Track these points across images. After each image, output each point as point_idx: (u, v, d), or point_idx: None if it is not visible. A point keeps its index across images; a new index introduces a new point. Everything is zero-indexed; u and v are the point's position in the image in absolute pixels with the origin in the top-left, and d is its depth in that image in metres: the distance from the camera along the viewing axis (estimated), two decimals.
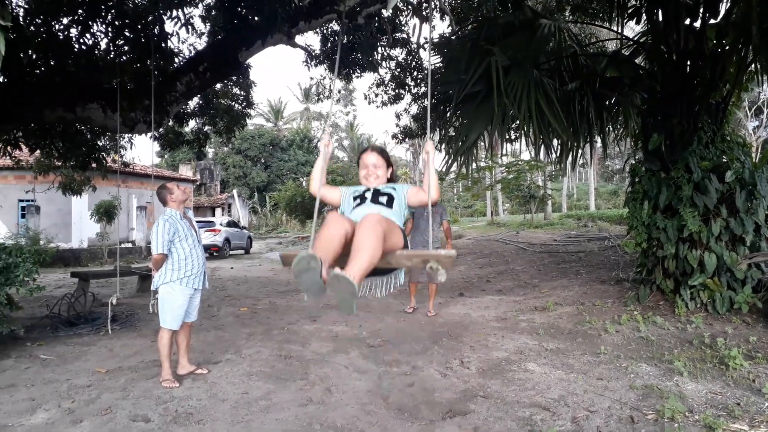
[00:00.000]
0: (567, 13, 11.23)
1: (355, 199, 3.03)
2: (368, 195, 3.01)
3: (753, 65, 7.05)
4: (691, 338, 5.28)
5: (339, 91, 16.18)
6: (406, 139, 17.10)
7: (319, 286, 2.32)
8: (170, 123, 11.30)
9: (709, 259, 6.00)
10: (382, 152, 3.17)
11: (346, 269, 2.32)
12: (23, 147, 9.39)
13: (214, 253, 19.73)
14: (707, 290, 6.02)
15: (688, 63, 6.87)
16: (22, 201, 19.61)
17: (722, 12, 6.87)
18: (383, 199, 2.97)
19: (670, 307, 6.25)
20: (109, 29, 8.15)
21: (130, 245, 20.48)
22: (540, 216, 25.83)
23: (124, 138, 11.83)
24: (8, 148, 8.85)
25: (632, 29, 8.73)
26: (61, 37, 7.89)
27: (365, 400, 4.04)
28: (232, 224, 22.91)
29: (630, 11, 7.61)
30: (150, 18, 8.17)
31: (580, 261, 11.42)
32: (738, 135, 7.69)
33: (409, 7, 11.30)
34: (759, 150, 29.34)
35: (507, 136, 8.67)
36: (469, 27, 10.09)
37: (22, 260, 5.10)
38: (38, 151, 9.92)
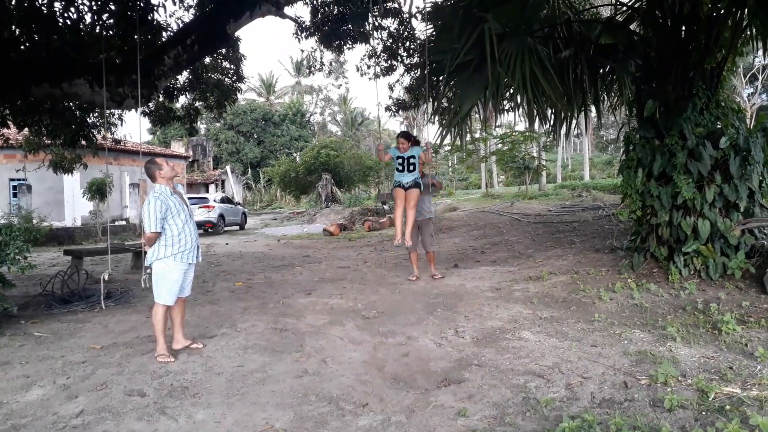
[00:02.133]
0: None
1: (397, 159, 6.83)
2: (405, 164, 6.78)
3: (748, 30, 6.94)
4: (684, 304, 5.31)
5: (330, 63, 15.94)
6: (400, 111, 16.96)
7: None
8: (160, 99, 11.16)
9: (702, 225, 6.00)
10: (407, 135, 7.07)
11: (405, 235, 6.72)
12: (11, 125, 9.25)
13: (209, 230, 19.68)
14: (701, 257, 6.03)
15: (683, 28, 6.77)
16: (13, 180, 19.48)
17: None
18: (411, 167, 6.77)
19: (664, 275, 6.27)
20: (94, 3, 7.96)
21: (123, 223, 20.43)
22: (535, 187, 25.83)
23: (114, 115, 11.69)
24: None
25: None
26: (44, 12, 7.70)
27: (360, 370, 4.06)
28: (226, 200, 22.84)
29: None
30: None
31: (574, 231, 11.43)
32: (733, 101, 7.63)
33: None
34: (753, 117, 29.28)
35: (501, 107, 8.60)
36: None
37: (12, 239, 5.05)
38: (26, 129, 9.78)
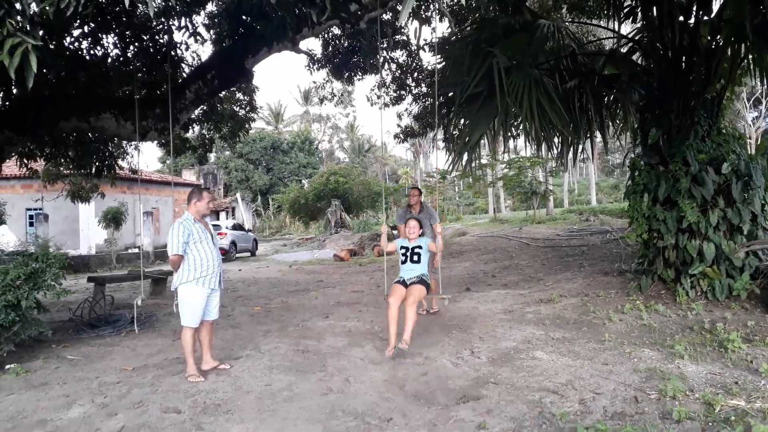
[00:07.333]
0: (564, 11, 11.44)
1: (402, 248, 5.58)
2: (409, 255, 5.51)
3: (746, 60, 7.24)
4: (691, 324, 5.49)
5: (341, 94, 16.38)
6: (408, 139, 17.33)
7: None
8: (177, 130, 11.53)
9: (707, 248, 6.20)
10: (418, 221, 5.68)
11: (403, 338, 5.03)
12: (38, 158, 9.62)
13: (221, 256, 19.92)
14: (707, 278, 6.22)
15: (684, 59, 7.07)
16: (29, 210, 19.87)
17: (715, 9, 7.08)
18: (416, 258, 5.47)
19: (672, 296, 6.46)
20: (119, 40, 8.36)
21: (136, 250, 20.72)
22: (542, 212, 26.02)
23: (131, 145, 12.08)
24: (24, 159, 9.10)
25: (630, 25, 8.92)
26: (72, 49, 8.10)
27: (382, 388, 4.26)
28: (237, 227, 23.17)
29: (626, 10, 7.81)
30: (158, 27, 8.40)
31: (583, 254, 11.62)
32: (734, 128, 7.89)
33: (409, 10, 11.48)
34: (758, 140, 29.51)
35: (509, 134, 8.90)
36: (468, 28, 10.31)
37: (48, 265, 5.32)
38: (52, 160, 10.14)
